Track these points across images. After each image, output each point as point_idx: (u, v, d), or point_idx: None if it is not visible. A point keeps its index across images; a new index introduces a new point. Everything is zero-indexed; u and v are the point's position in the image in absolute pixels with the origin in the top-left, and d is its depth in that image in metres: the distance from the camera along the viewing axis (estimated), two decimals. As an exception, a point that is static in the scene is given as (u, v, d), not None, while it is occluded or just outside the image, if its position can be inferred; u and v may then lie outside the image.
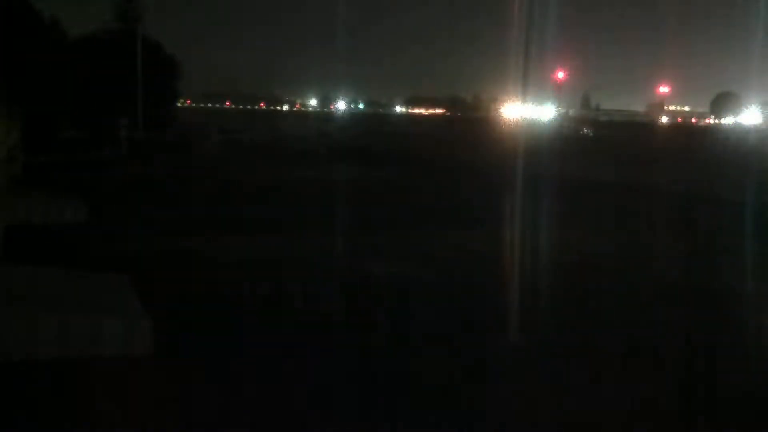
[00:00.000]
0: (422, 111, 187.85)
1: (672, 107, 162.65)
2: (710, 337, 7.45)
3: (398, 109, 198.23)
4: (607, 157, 36.08)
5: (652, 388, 6.03)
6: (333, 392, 5.68)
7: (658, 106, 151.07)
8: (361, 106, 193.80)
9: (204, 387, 5.68)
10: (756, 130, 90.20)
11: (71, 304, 6.46)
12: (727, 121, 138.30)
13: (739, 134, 77.74)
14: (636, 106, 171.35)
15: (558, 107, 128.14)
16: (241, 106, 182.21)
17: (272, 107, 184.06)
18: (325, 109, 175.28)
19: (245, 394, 5.56)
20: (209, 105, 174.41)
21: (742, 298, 9.13)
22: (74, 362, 5.88)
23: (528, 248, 11.72)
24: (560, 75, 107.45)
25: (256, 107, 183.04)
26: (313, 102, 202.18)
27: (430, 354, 6.63)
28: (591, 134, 72.78)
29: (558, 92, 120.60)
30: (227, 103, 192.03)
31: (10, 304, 6.28)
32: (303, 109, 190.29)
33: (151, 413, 5.21)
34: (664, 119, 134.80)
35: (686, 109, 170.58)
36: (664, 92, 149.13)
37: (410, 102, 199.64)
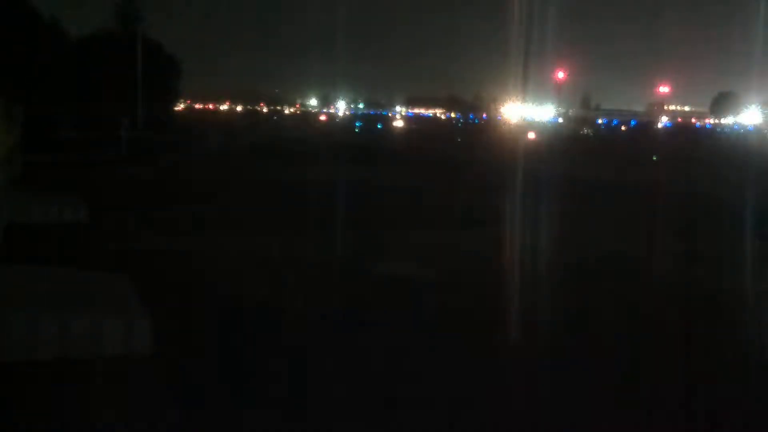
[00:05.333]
0: (422, 111, 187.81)
1: (672, 107, 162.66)
2: (710, 336, 7.45)
3: (398, 108, 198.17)
4: (608, 157, 36.09)
5: (656, 389, 6.03)
6: (333, 392, 5.67)
7: (658, 106, 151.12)
8: (361, 106, 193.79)
9: (204, 386, 5.67)
10: (756, 129, 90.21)
11: (71, 304, 6.45)
12: (727, 121, 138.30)
13: (739, 134, 77.74)
14: (636, 106, 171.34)
15: (558, 107, 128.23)
16: (241, 106, 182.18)
17: (272, 107, 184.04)
18: (325, 109, 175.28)
19: (246, 394, 5.55)
20: (209, 105, 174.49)
21: (739, 299, 9.13)
22: (74, 362, 5.87)
23: (530, 247, 11.71)
24: (560, 75, 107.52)
25: (256, 107, 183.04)
26: (314, 102, 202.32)
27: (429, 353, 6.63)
28: (591, 134, 72.76)
29: (558, 92, 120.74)
30: (227, 103, 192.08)
31: (10, 304, 6.27)
32: (303, 109, 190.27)
33: (151, 413, 5.20)
34: (664, 119, 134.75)
35: (686, 109, 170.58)
36: (664, 92, 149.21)
37: (410, 102, 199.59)
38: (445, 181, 21.93)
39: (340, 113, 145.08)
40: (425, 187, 19.85)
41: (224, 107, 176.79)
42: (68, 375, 5.70)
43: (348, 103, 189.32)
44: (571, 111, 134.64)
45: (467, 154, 35.24)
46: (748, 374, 6.49)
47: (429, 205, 16.40)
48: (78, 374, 5.73)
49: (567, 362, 6.55)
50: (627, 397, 5.82)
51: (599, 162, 32.03)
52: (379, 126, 76.58)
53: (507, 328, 7.61)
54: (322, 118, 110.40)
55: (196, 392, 5.56)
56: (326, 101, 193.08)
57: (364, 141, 44.69)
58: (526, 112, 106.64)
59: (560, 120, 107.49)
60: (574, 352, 6.80)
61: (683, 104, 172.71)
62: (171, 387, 5.64)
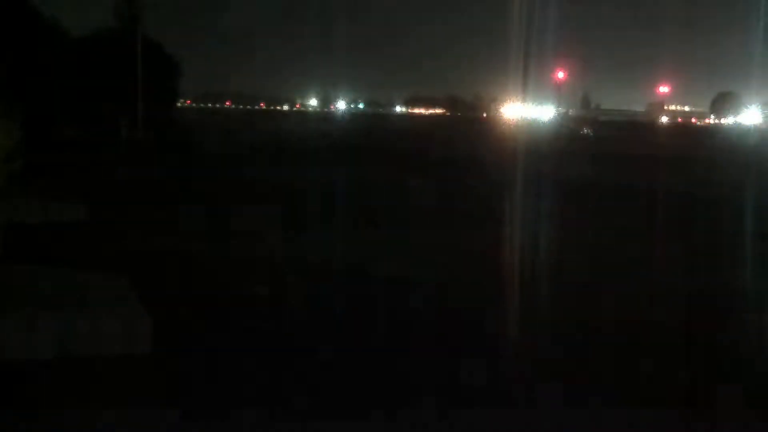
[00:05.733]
0: (422, 111, 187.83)
1: (672, 107, 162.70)
2: (708, 334, 7.45)
3: (398, 109, 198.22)
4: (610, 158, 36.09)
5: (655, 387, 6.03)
6: (333, 393, 5.67)
7: (658, 106, 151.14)
8: (361, 106, 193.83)
9: (203, 386, 5.67)
10: (756, 129, 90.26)
11: (71, 304, 6.46)
12: (727, 121, 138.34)
13: (739, 134, 77.75)
14: (636, 106, 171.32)
15: (558, 107, 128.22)
16: (241, 106, 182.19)
17: (272, 107, 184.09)
18: (325, 109, 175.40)
19: (245, 394, 5.55)
20: (209, 105, 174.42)
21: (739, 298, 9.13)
22: (74, 362, 5.88)
23: (529, 248, 11.71)
24: (560, 75, 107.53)
25: (256, 107, 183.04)
26: (313, 102, 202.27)
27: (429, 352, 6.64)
28: (591, 134, 72.72)
29: (558, 92, 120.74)
30: (227, 103, 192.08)
31: (10, 304, 6.27)
32: (303, 109, 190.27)
33: (150, 412, 5.20)
34: (664, 119, 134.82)
35: (686, 109, 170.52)
36: (664, 92, 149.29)
37: (410, 102, 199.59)
38: (446, 180, 21.94)
39: (340, 113, 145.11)
40: (425, 187, 19.86)
41: (224, 107, 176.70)
42: (68, 375, 5.71)
43: (348, 103, 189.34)
44: (571, 111, 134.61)
45: (468, 154, 35.24)
46: (748, 374, 6.50)
47: (428, 206, 16.41)
48: (78, 374, 5.73)
49: (567, 362, 6.55)
50: (626, 398, 5.83)
51: (598, 163, 32.04)
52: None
53: (507, 328, 7.61)
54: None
55: (196, 392, 5.57)
56: (326, 101, 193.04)
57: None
58: (526, 112, 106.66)
59: (557, 118, 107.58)
60: (573, 352, 6.81)
61: (683, 104, 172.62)
62: (170, 387, 5.64)
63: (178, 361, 6.09)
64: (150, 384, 5.70)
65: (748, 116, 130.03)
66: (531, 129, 74.30)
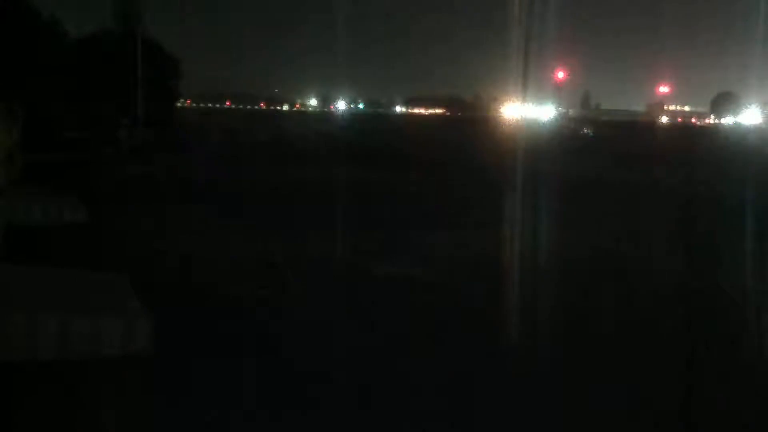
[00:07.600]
0: (422, 111, 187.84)
1: (672, 107, 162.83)
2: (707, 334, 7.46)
3: (398, 108, 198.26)
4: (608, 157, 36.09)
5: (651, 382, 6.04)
6: (332, 393, 5.68)
7: (658, 106, 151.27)
8: (361, 105, 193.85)
9: (204, 386, 5.68)
10: (756, 129, 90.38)
11: (71, 304, 6.46)
12: (727, 121, 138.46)
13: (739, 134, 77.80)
14: (636, 106, 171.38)
15: (558, 107, 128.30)
16: (241, 106, 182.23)
17: (272, 107, 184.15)
18: (325, 109, 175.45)
19: (246, 394, 5.56)
20: (209, 105, 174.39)
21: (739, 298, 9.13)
22: (74, 362, 5.88)
23: (528, 248, 11.71)
24: (560, 75, 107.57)
25: (256, 107, 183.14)
26: (313, 102, 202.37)
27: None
28: (591, 134, 72.94)
29: (558, 92, 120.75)
30: (227, 103, 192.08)
31: (10, 304, 6.27)
32: (303, 109, 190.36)
33: (151, 413, 5.21)
34: (664, 119, 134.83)
35: (686, 109, 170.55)
36: (664, 92, 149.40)
37: (410, 102, 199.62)
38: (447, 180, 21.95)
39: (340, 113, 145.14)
40: (424, 187, 19.87)
41: (224, 107, 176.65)
42: (68, 375, 5.71)
43: (348, 103, 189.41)
44: (571, 111, 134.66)
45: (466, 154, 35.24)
46: (747, 374, 6.50)
47: (427, 206, 16.42)
48: (78, 374, 5.73)
49: (565, 362, 6.56)
50: (625, 397, 5.83)
51: (598, 161, 32.05)
52: None
53: (505, 328, 7.62)
54: None
55: (196, 393, 5.56)
56: (326, 101, 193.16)
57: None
58: (526, 112, 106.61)
59: (557, 118, 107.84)
60: (573, 352, 6.81)
61: (683, 104, 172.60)
62: (171, 387, 5.64)
63: (179, 362, 6.09)
64: (150, 385, 5.70)
65: (748, 116, 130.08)
66: (530, 129, 74.30)
